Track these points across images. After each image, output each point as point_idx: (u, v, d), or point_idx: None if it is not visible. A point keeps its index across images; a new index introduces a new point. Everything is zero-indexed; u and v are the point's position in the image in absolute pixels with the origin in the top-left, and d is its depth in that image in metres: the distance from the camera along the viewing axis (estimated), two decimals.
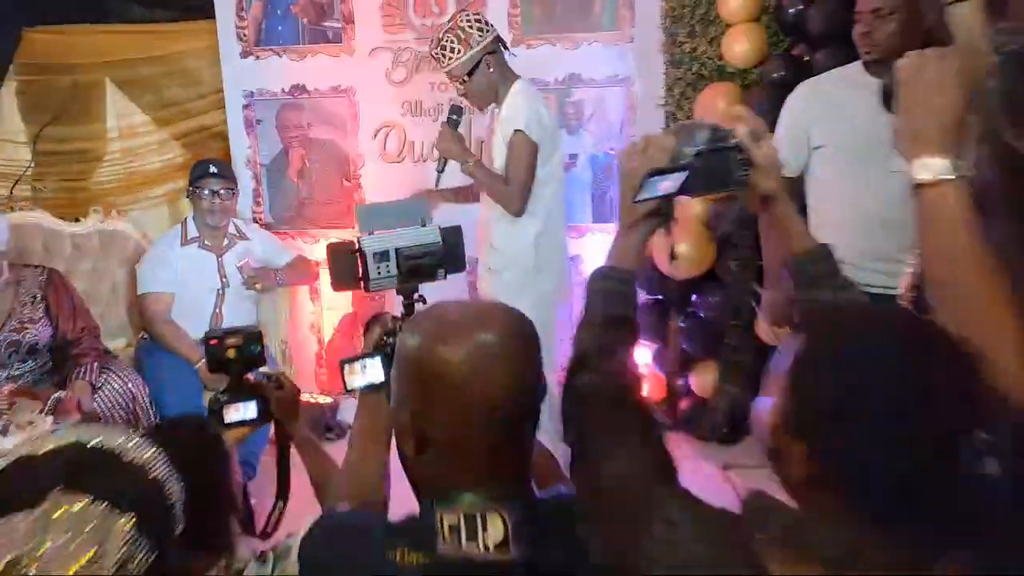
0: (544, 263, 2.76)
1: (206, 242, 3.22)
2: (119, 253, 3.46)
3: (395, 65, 3.49)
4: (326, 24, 3.51)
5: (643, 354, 3.46)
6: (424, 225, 1.49)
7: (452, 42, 2.59)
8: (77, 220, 3.58)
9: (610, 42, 3.39)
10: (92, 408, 2.56)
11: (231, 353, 1.54)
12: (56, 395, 2.36)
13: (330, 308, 3.71)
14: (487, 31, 2.63)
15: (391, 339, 1.36)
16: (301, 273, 3.46)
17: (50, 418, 2.22)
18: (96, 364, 2.68)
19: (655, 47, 3.35)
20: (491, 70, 2.65)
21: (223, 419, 1.50)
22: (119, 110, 3.78)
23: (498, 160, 2.73)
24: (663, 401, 3.49)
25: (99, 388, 2.67)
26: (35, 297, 2.68)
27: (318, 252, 3.66)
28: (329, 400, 3.56)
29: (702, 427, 3.36)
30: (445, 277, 1.49)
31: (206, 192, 3.13)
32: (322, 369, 3.76)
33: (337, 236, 3.60)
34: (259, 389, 1.54)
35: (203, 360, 3.02)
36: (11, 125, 3.75)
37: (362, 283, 1.46)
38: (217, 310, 3.20)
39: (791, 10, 3.09)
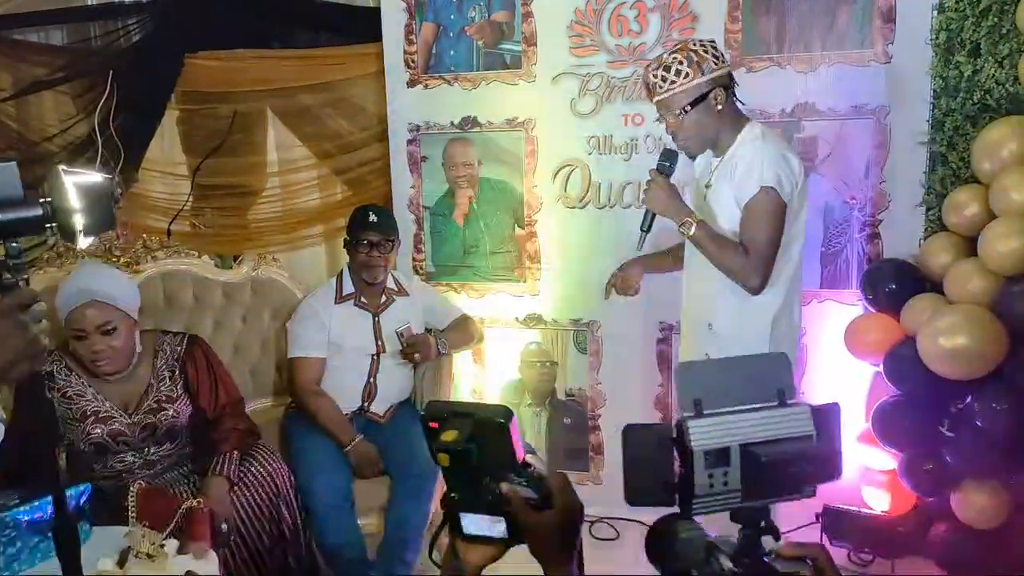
0: (779, 346, 2.13)
1: (362, 299, 2.82)
2: (272, 304, 3.14)
3: (582, 93, 2.95)
4: (504, 47, 3.01)
5: (884, 461, 2.73)
6: (784, 403, 0.93)
7: (681, 63, 2.03)
8: (235, 259, 3.32)
9: (858, 63, 2.67)
10: (229, 514, 2.18)
11: (454, 443, 1.01)
12: (187, 504, 1.99)
13: (495, 373, 3.23)
14: (723, 62, 2.07)
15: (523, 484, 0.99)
16: (465, 336, 2.99)
17: (174, 546, 1.83)
18: (237, 454, 2.31)
19: (921, 69, 2.61)
20: (719, 107, 2.06)
21: (460, 528, 1.05)
22: (279, 142, 3.50)
23: (721, 220, 2.13)
24: (908, 519, 2.74)
25: (238, 482, 2.29)
26: (174, 371, 2.36)
27: (483, 308, 3.19)
28: None
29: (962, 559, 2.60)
30: (814, 494, 0.94)
31: (364, 243, 2.72)
32: None
33: (508, 292, 3.14)
34: (512, 502, 1.01)
35: (355, 442, 2.64)
36: (172, 156, 3.57)
37: (677, 497, 0.92)
38: (371, 379, 2.80)
39: None
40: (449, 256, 3.24)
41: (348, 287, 2.83)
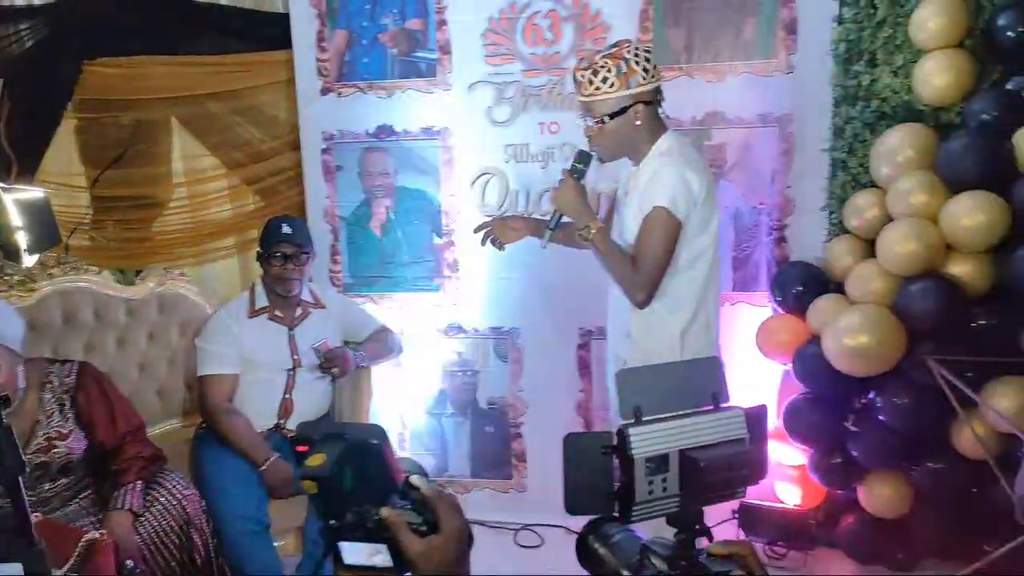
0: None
1: (277, 313, 2.74)
2: (179, 320, 3.01)
3: (498, 102, 2.94)
4: (419, 55, 2.99)
5: (795, 457, 2.82)
6: (719, 407, 0.95)
7: (610, 71, 2.02)
8: (138, 274, 3.18)
9: (763, 73, 2.76)
10: (135, 548, 2.07)
11: (320, 468, 0.94)
12: (88, 537, 1.88)
13: (415, 384, 3.19)
14: (652, 77, 2.06)
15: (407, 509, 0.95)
16: (384, 348, 2.93)
17: None
18: (140, 484, 2.19)
19: (822, 79, 2.71)
20: (638, 122, 2.07)
21: (341, 558, 0.97)
22: (186, 152, 3.37)
23: (628, 231, 2.15)
24: (819, 511, 2.84)
25: (144, 512, 2.18)
26: (63, 404, 2.19)
27: (402, 319, 3.15)
28: None
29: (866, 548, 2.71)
30: (745, 495, 0.96)
31: (278, 256, 2.64)
32: (405, 452, 3.24)
33: (427, 302, 3.10)
34: (393, 528, 0.93)
35: (270, 461, 2.56)
36: (69, 168, 3.38)
37: (617, 506, 0.91)
38: (287, 395, 2.71)
39: (1008, 32, 2.42)
40: (366, 267, 3.18)
41: (261, 300, 2.74)
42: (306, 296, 2.80)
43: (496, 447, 3.18)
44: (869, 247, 2.60)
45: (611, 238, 2.15)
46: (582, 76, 2.07)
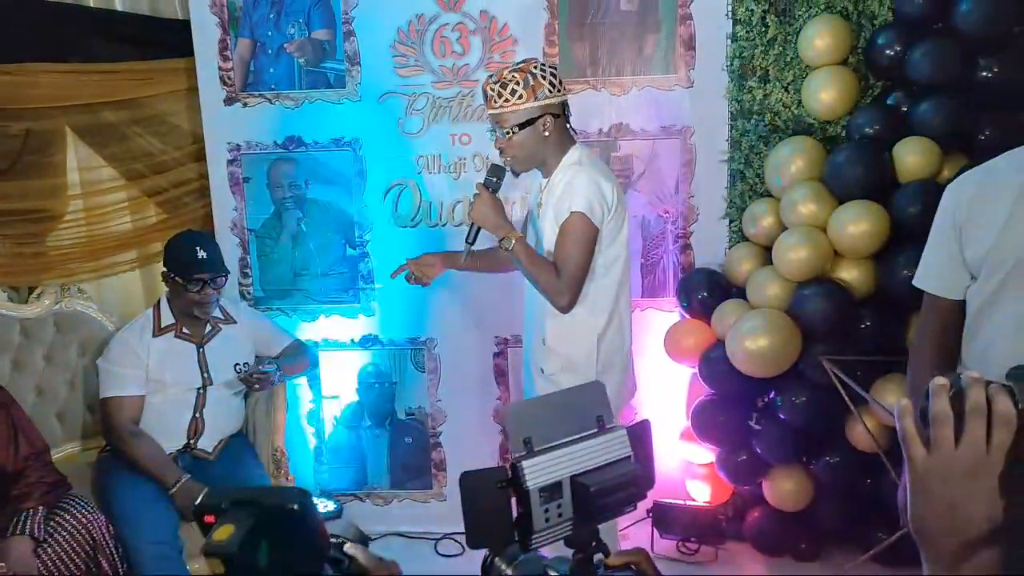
0: (609, 364, 2.23)
1: (184, 330, 2.66)
2: (79, 339, 2.90)
3: (409, 113, 2.95)
4: (327, 66, 2.96)
5: (704, 455, 2.94)
6: (604, 428, 0.97)
7: (517, 84, 2.08)
8: (31, 291, 3.03)
9: (665, 87, 2.86)
10: (34, 572, 1.99)
11: (227, 543, 0.80)
12: None
13: (331, 397, 3.16)
14: (559, 91, 2.14)
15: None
16: (300, 362, 2.89)
17: None
18: (42, 510, 2.11)
19: (719, 93, 2.84)
20: (546, 133, 2.13)
21: None
22: (82, 163, 3.22)
23: (544, 240, 2.21)
24: (727, 507, 2.97)
25: (47, 538, 2.10)
26: None
27: (317, 331, 3.11)
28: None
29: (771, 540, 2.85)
30: (636, 508, 0.98)
31: (195, 282, 2.55)
32: (322, 466, 3.21)
33: (342, 314, 3.08)
34: None
35: (180, 483, 2.48)
36: None
37: (516, 533, 0.93)
38: (197, 413, 2.65)
39: (887, 51, 2.60)
40: (279, 279, 3.13)
41: (167, 318, 2.66)
42: (215, 312, 2.73)
43: (415, 457, 3.19)
44: (767, 253, 2.74)
45: (530, 247, 2.20)
46: (491, 90, 2.11)
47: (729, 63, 2.81)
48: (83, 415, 2.88)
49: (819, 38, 2.63)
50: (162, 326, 2.65)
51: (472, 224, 2.22)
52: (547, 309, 2.20)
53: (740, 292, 2.79)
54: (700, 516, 2.91)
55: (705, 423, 2.82)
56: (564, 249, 2.11)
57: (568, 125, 2.20)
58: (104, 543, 2.22)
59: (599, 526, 0.97)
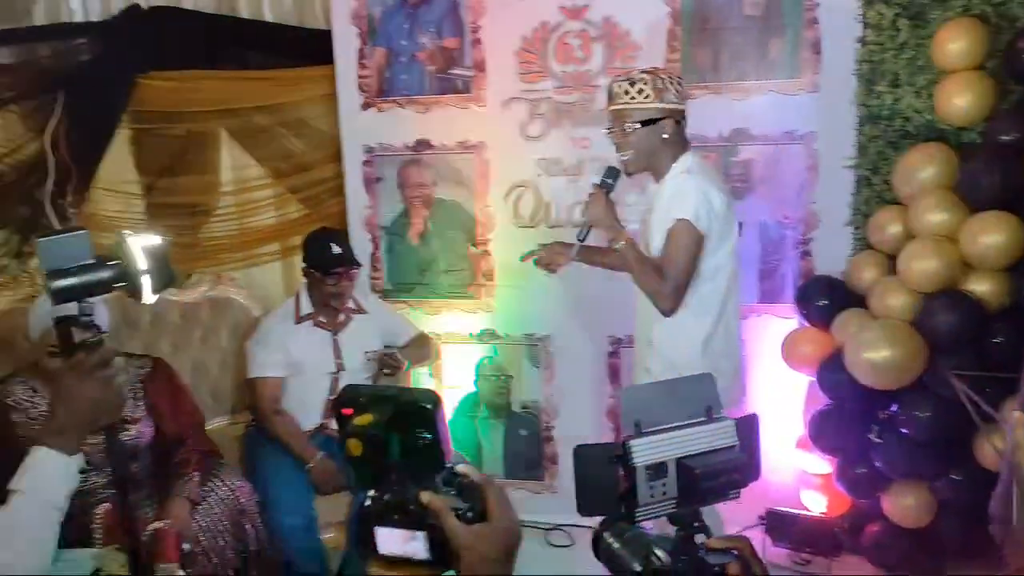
0: (716, 369, 2.24)
1: (321, 319, 2.89)
2: (229, 322, 3.19)
3: (531, 118, 3.06)
4: (455, 72, 3.11)
5: (820, 466, 2.90)
6: (712, 418, 1.04)
7: (646, 84, 2.17)
8: (189, 277, 3.36)
9: (789, 91, 2.84)
10: (192, 534, 2.23)
11: (369, 427, 0.88)
12: (152, 527, 2.04)
13: (452, 387, 3.32)
14: (682, 99, 2.22)
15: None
16: (423, 353, 3.08)
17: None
18: (198, 475, 2.37)
19: (847, 98, 2.79)
20: (665, 135, 2.21)
21: (375, 546, 0.90)
22: (233, 162, 3.53)
23: (653, 244, 2.27)
24: (844, 519, 2.92)
25: (201, 501, 2.35)
26: (136, 392, 2.40)
27: (439, 325, 3.28)
28: None
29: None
30: (739, 496, 1.04)
31: (333, 276, 2.77)
32: None
33: (463, 309, 3.23)
34: (437, 513, 0.88)
35: (316, 459, 2.70)
36: (124, 176, 3.56)
37: (622, 505, 1.01)
38: (331, 396, 2.86)
39: None
40: (405, 274, 3.32)
41: (306, 307, 2.89)
42: (349, 303, 2.94)
43: (529, 449, 3.30)
44: (891, 262, 2.67)
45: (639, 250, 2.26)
46: (619, 87, 2.21)
47: (858, 67, 2.75)
48: (232, 392, 3.16)
49: (954, 42, 2.54)
50: (302, 315, 2.88)
51: (585, 222, 2.31)
52: (654, 311, 2.25)
53: (861, 301, 2.74)
54: (815, 526, 2.88)
55: (822, 433, 2.79)
56: (669, 254, 2.17)
57: (685, 136, 2.26)
58: (250, 510, 2.45)
59: (702, 509, 1.03)
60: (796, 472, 3.01)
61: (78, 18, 3.50)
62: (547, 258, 2.52)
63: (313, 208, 3.47)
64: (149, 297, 1.33)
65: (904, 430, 2.58)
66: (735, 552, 0.99)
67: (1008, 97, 2.61)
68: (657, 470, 0.99)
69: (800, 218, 2.91)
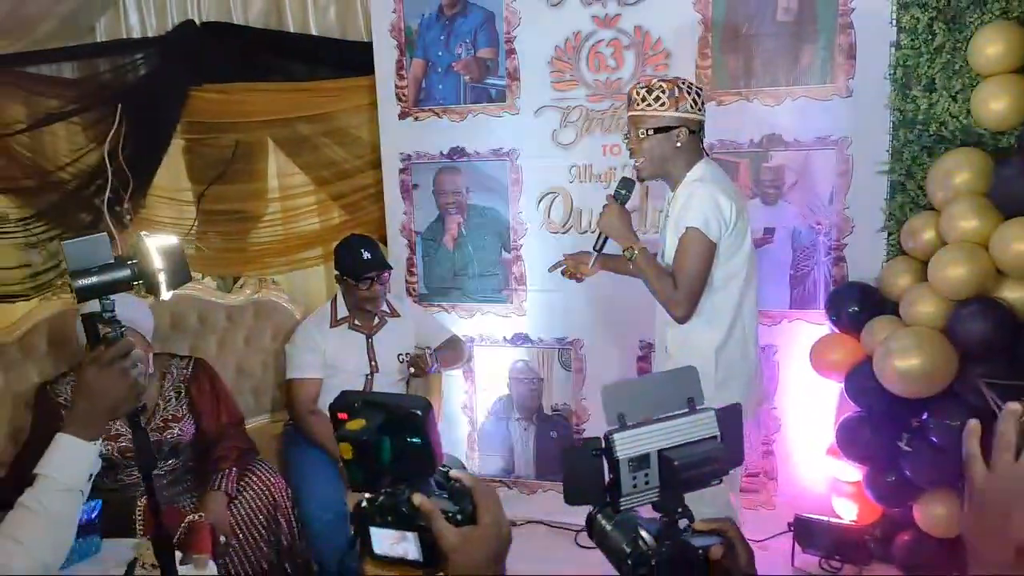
0: (729, 376, 2.27)
1: (356, 322, 2.99)
2: (272, 325, 3.31)
3: (563, 125, 3.11)
4: (489, 82, 3.18)
5: (851, 473, 2.87)
6: (694, 410, 1.07)
7: (663, 92, 2.21)
8: (235, 281, 3.50)
9: (821, 97, 2.83)
10: (227, 527, 2.35)
11: (360, 432, 0.91)
12: (190, 518, 2.16)
13: (484, 389, 3.39)
14: (699, 110, 2.25)
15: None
16: (455, 355, 3.16)
17: (178, 557, 2.00)
18: (235, 471, 2.48)
19: (880, 103, 2.76)
20: (678, 143, 2.24)
21: (371, 546, 0.95)
22: (280, 169, 3.67)
23: (668, 252, 2.29)
24: (876, 528, 2.88)
25: (237, 496, 2.46)
26: (180, 392, 2.53)
27: (472, 328, 3.35)
28: None
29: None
30: (720, 483, 1.07)
31: (366, 281, 2.87)
32: (474, 452, 3.45)
33: (495, 313, 3.30)
34: (427, 515, 0.91)
35: None
36: (177, 183, 3.73)
37: (608, 496, 1.05)
38: None
39: None
40: (440, 278, 3.40)
41: (342, 311, 2.99)
42: (383, 307, 3.03)
43: (560, 451, 3.33)
44: (925, 269, 2.63)
45: (653, 258, 2.29)
46: (637, 93, 2.25)
47: (892, 72, 2.72)
48: (273, 392, 3.29)
49: (992, 45, 2.49)
50: (338, 318, 2.99)
51: (599, 233, 2.35)
52: (667, 319, 2.28)
53: (894, 308, 2.70)
54: (845, 534, 2.85)
55: (852, 441, 2.76)
56: (680, 262, 2.20)
57: (701, 145, 2.28)
58: (284, 504, 2.56)
59: (694, 493, 1.05)
60: (828, 479, 2.98)
61: (136, 34, 3.68)
62: (572, 267, 2.58)
63: (353, 214, 3.58)
64: (165, 294, 1.43)
65: (934, 439, 2.54)
66: (720, 535, 1.02)
67: None
68: (639, 462, 1.03)
69: (833, 224, 2.89)
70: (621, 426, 1.03)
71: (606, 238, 2.34)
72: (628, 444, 1.02)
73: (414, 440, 0.92)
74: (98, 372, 1.36)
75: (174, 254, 1.44)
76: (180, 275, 1.45)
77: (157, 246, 1.41)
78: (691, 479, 1.02)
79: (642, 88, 2.24)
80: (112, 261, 1.39)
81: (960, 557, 2.60)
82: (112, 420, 1.42)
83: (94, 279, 1.37)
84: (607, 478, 1.03)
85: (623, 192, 2.32)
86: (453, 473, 0.97)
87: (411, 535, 0.92)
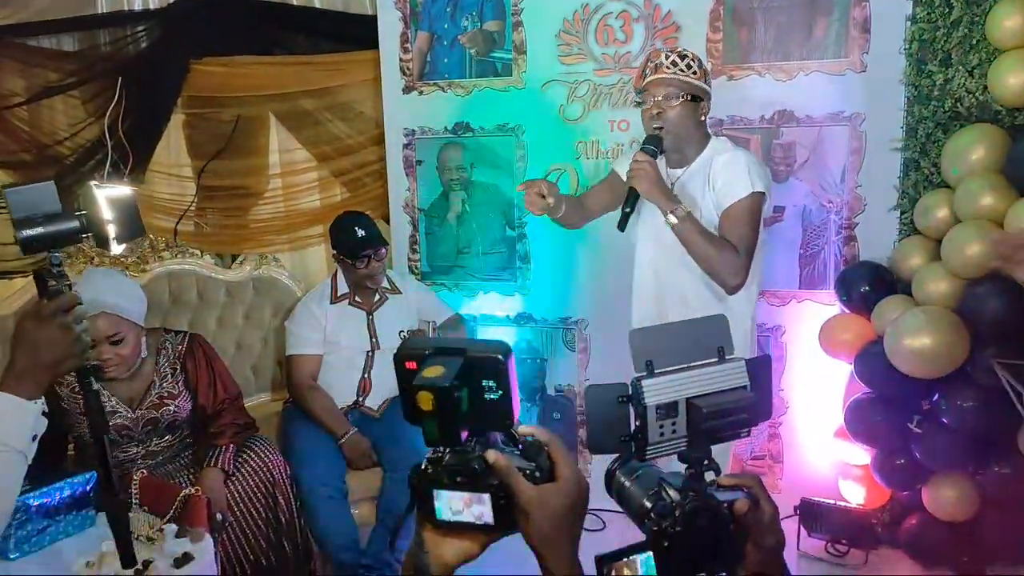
0: (745, 344, 2.24)
1: (357, 299, 2.94)
2: (272, 302, 3.27)
3: (570, 100, 3.05)
4: (495, 55, 3.12)
5: (859, 456, 2.83)
6: (723, 359, 1.01)
7: (694, 61, 2.15)
8: (235, 258, 3.46)
9: (835, 71, 2.76)
10: (224, 503, 2.31)
11: (441, 379, 0.79)
12: (186, 492, 2.12)
13: None
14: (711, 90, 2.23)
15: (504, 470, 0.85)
16: (456, 335, 3.10)
17: (173, 530, 1.97)
18: (232, 447, 2.44)
19: (895, 78, 2.69)
20: (702, 116, 2.20)
21: (433, 511, 0.86)
22: (281, 145, 3.62)
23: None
24: (883, 512, 2.84)
25: (235, 472, 2.42)
26: (175, 368, 2.47)
27: (476, 306, 3.31)
28: None
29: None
30: (749, 435, 1.01)
31: (362, 259, 2.82)
32: None
33: (499, 291, 3.25)
34: (503, 472, 0.84)
35: (348, 435, 2.76)
36: (178, 159, 3.68)
37: (634, 445, 0.99)
38: (366, 374, 2.92)
39: None
40: (443, 256, 3.35)
41: (342, 287, 2.95)
42: (384, 283, 2.99)
43: (563, 432, 3.30)
44: (939, 248, 2.58)
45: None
46: (667, 58, 2.14)
47: (907, 46, 2.66)
48: (273, 369, 3.25)
49: (1011, 18, 2.43)
50: (338, 295, 2.94)
51: (631, 190, 2.14)
52: (693, 291, 2.21)
53: (906, 288, 2.65)
54: (852, 517, 2.81)
55: (861, 423, 2.71)
56: (739, 229, 2.10)
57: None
58: (282, 482, 2.51)
59: (713, 448, 1.02)
60: (835, 462, 2.94)
61: (137, 6, 3.62)
62: (528, 196, 2.28)
63: (355, 191, 3.53)
64: (115, 247, 1.36)
65: (945, 420, 2.49)
66: (745, 490, 0.99)
67: None
68: (668, 410, 0.97)
69: (844, 202, 2.83)
70: (649, 373, 0.98)
71: (638, 197, 2.13)
72: (656, 391, 0.97)
73: (494, 389, 0.81)
74: (37, 325, 1.27)
75: (126, 206, 1.37)
76: (131, 228, 1.38)
77: (107, 196, 1.35)
78: (720, 428, 0.97)
79: (671, 55, 2.15)
80: (60, 212, 1.31)
81: (968, 541, 2.57)
82: (54, 378, 1.31)
83: (40, 229, 1.29)
84: (633, 426, 0.98)
85: (652, 148, 2.15)
86: (523, 428, 0.88)
87: (485, 496, 0.83)
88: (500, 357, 0.82)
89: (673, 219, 2.08)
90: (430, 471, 0.84)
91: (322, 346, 2.89)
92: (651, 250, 2.33)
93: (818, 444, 2.97)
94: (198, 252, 3.31)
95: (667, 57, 2.14)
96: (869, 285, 2.71)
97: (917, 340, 2.39)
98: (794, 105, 2.82)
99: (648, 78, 2.17)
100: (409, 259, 3.37)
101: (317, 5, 3.48)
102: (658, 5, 2.90)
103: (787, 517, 2.93)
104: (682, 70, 2.12)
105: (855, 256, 2.85)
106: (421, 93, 3.24)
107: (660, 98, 2.14)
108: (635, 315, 2.44)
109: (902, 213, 2.77)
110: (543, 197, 2.24)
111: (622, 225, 2.16)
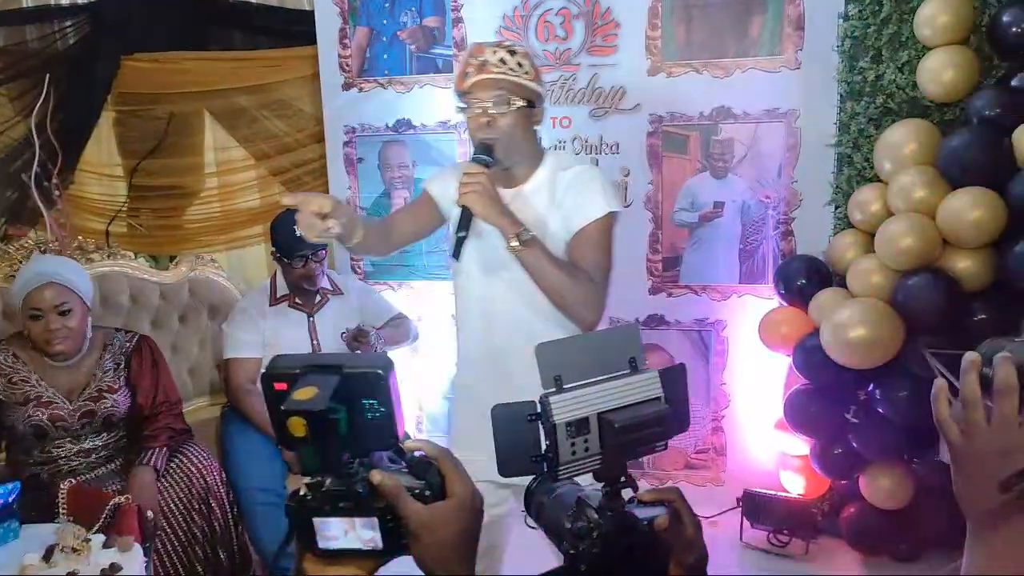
0: None
1: (297, 300, 2.87)
2: (209, 303, 3.18)
3: None
4: (436, 51, 3.09)
5: (799, 447, 2.87)
6: (636, 370, 0.98)
7: (525, 59, 1.76)
8: (172, 259, 3.36)
9: (770, 69, 2.80)
10: (154, 504, 2.24)
11: (312, 402, 0.73)
12: (116, 500, 2.04)
13: (435, 368, 3.31)
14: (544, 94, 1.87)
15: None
16: (400, 333, 3.05)
17: (101, 540, 1.89)
18: (165, 450, 2.37)
19: (828, 75, 2.74)
20: (535, 125, 1.81)
21: (313, 541, 0.80)
22: (217, 143, 3.52)
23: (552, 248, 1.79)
24: (823, 501, 2.89)
25: (166, 474, 2.35)
26: (119, 364, 2.42)
27: (421, 306, 3.27)
28: None
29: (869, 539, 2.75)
30: (666, 448, 0.98)
31: (299, 259, 2.76)
32: (420, 434, 3.37)
33: (444, 291, 3.21)
34: (390, 494, 0.79)
35: None
36: (108, 158, 3.56)
37: (546, 465, 0.94)
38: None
39: (1012, 29, 2.42)
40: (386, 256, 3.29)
41: (282, 289, 2.87)
42: (325, 284, 2.92)
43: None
44: (873, 241, 2.63)
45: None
46: (494, 54, 1.74)
47: (840, 43, 2.71)
48: (211, 373, 3.16)
49: (938, 16, 2.50)
50: (277, 296, 2.87)
51: (464, 210, 1.71)
52: (539, 324, 1.77)
53: (842, 281, 2.70)
54: (793, 508, 2.85)
55: (799, 414, 2.75)
56: (598, 254, 1.76)
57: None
58: (216, 488, 2.45)
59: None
60: (776, 454, 2.98)
61: (65, 1, 3.49)
62: (302, 220, 1.61)
63: (295, 189, 3.45)
64: None
65: (880, 410, 2.54)
66: (667, 503, 0.97)
67: (992, 73, 2.56)
68: (578, 427, 0.94)
69: (781, 197, 2.87)
70: (558, 388, 0.94)
71: (471, 217, 1.71)
72: (566, 407, 0.93)
73: (375, 407, 0.76)
74: None
75: None
76: None
77: None
78: (634, 442, 0.94)
79: (499, 51, 1.74)
80: None
81: (904, 528, 2.62)
82: None
83: None
84: (543, 445, 0.95)
85: (485, 157, 1.73)
86: (410, 443, 0.84)
87: (371, 520, 0.78)
88: (380, 372, 0.76)
89: (516, 243, 1.68)
90: (309, 498, 0.78)
91: (261, 349, 2.81)
92: (481, 283, 1.87)
93: (760, 436, 3.01)
94: (130, 254, 3.21)
95: (494, 53, 1.74)
96: (806, 278, 2.75)
97: (852, 332, 2.43)
98: (732, 102, 2.85)
99: (472, 78, 1.75)
100: (352, 259, 3.32)
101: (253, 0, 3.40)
102: (597, 2, 2.90)
103: (731, 509, 2.97)
104: (512, 69, 1.72)
105: (792, 250, 2.89)
106: (361, 90, 3.19)
107: (489, 104, 1.73)
108: (461, 358, 2.02)
109: (836, 207, 2.83)
110: (323, 219, 1.59)
111: (456, 252, 1.75)
